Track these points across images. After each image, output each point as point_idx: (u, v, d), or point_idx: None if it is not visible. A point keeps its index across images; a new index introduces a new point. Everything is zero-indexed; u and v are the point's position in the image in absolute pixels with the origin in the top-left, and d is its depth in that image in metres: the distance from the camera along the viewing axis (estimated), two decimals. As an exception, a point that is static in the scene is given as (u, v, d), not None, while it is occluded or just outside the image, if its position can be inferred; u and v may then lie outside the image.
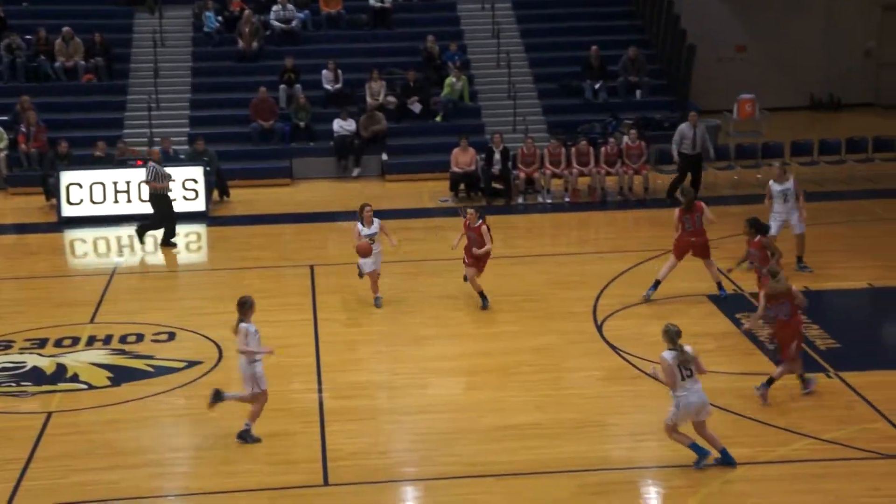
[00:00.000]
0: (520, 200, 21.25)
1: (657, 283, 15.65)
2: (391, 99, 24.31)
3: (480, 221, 15.60)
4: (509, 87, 24.98)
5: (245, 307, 11.61)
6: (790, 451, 11.53)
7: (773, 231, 16.36)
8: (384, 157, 23.42)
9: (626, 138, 21.71)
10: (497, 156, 21.22)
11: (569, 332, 14.87)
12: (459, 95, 24.53)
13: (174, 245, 19.09)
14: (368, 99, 24.24)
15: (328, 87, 24.57)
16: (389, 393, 13.33)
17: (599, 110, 24.46)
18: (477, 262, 15.64)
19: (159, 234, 19.17)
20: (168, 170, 19.40)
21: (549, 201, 21.23)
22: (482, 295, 15.69)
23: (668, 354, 10.93)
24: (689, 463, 11.25)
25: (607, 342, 14.45)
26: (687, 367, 10.88)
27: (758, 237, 14.29)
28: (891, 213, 19.52)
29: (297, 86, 24.41)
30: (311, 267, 17.78)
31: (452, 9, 27.40)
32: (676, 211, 15.58)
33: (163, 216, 19.10)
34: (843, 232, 18.21)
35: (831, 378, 13.09)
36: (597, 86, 24.76)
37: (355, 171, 23.40)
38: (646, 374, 12.42)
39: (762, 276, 13.81)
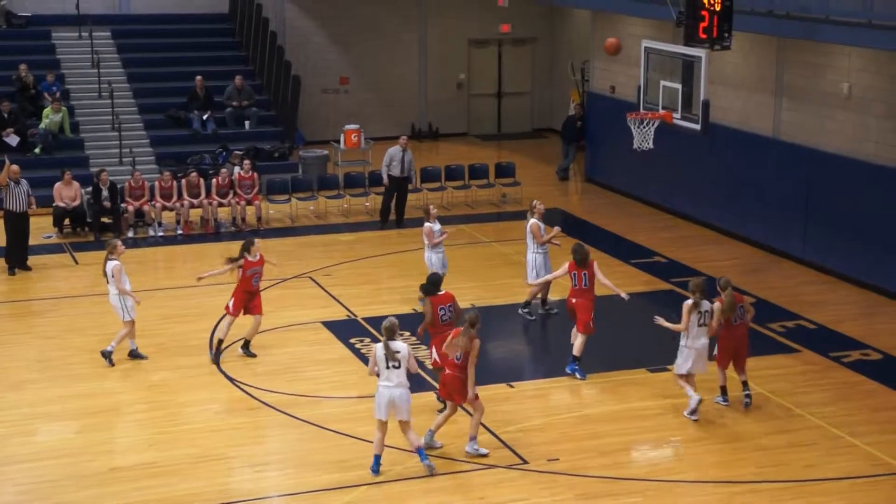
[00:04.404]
0: (130, 234, 20.59)
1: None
2: (-17, 131, 22.81)
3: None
4: (113, 118, 24.16)
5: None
6: (405, 469, 11.91)
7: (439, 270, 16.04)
8: (-23, 192, 21.87)
9: (237, 169, 21.63)
10: (105, 192, 20.45)
11: (184, 367, 14.56)
12: (59, 127, 23.43)
13: None
14: (-44, 131, 22.60)
15: None
16: (-10, 444, 12.45)
17: (209, 141, 24.22)
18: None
19: None
20: None
21: (161, 234, 20.72)
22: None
23: (378, 345, 11.51)
24: (314, 489, 11.35)
25: (224, 374, 14.29)
26: (395, 358, 11.38)
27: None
28: (487, 236, 20.74)
29: None
30: None
31: (47, 37, 26.14)
32: (567, 264, 14.34)
33: None
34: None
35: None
36: (205, 116, 24.52)
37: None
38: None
39: None
